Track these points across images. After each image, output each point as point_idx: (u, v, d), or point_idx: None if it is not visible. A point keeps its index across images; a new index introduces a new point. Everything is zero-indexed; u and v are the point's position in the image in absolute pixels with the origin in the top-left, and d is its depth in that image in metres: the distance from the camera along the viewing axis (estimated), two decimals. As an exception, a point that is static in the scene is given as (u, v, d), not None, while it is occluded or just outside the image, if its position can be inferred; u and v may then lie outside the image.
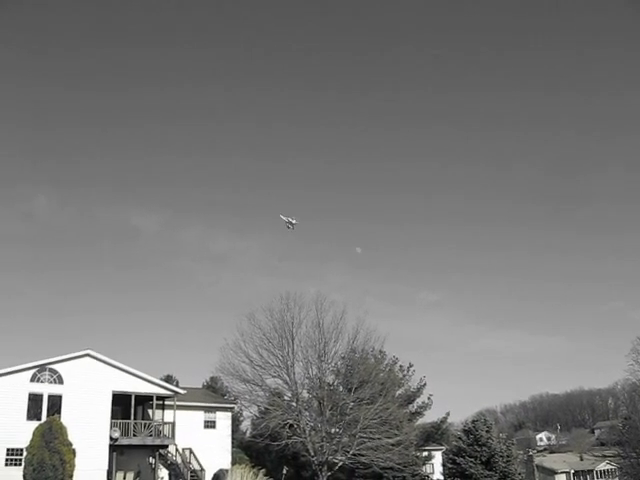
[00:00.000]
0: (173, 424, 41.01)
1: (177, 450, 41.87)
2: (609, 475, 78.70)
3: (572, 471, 78.24)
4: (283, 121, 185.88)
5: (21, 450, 33.78)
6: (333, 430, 41.15)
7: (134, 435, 39.40)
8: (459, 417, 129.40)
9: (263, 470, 36.65)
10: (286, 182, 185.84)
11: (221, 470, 41.40)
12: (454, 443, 49.49)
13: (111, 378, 39.00)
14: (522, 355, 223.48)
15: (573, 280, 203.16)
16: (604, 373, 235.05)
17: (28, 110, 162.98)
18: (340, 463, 40.83)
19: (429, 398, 51.22)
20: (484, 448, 44.67)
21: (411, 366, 50.91)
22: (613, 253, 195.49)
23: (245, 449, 52.67)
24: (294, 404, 41.39)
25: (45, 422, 33.98)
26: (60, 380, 37.37)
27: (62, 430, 33.23)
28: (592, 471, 79.06)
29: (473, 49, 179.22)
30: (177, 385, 51.13)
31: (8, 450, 34.46)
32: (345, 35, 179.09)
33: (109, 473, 37.34)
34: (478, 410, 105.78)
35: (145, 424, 40.50)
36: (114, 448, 37.98)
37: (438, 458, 56.21)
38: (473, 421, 48.03)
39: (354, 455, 39.94)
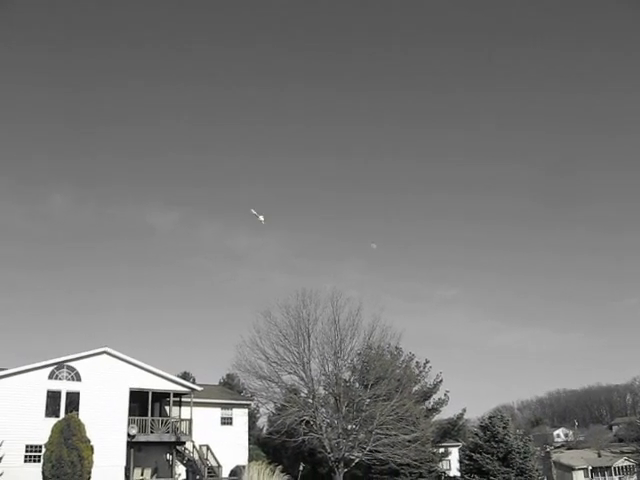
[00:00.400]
0: (190, 421, 41.27)
1: (194, 447, 42.01)
2: (627, 471, 78.09)
3: (590, 467, 77.48)
4: (301, 120, 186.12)
5: (40, 447, 34.11)
6: (349, 427, 41.13)
7: (151, 432, 39.72)
8: (476, 413, 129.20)
9: (280, 467, 36.74)
10: (303, 180, 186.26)
11: (238, 466, 41.69)
12: (470, 439, 49.10)
13: (128, 375, 39.29)
14: (539, 351, 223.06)
15: (589, 278, 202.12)
16: (622, 369, 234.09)
17: (44, 110, 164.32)
18: (356, 460, 40.78)
19: (446, 394, 51.17)
20: (501, 444, 44.29)
21: (427, 362, 50.79)
22: (628, 251, 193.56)
23: (262, 446, 52.79)
24: (310, 401, 41.38)
25: (63, 419, 34.31)
26: (78, 377, 37.66)
27: (80, 427, 33.55)
28: (610, 467, 78.33)
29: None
30: (194, 382, 51.33)
31: (27, 447, 34.78)
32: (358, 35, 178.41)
33: (127, 469, 37.64)
34: (495, 406, 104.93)
35: (162, 421, 40.77)
36: (131, 445, 38.29)
37: (455, 454, 55.95)
38: (490, 417, 47.63)
39: (370, 451, 39.87)
